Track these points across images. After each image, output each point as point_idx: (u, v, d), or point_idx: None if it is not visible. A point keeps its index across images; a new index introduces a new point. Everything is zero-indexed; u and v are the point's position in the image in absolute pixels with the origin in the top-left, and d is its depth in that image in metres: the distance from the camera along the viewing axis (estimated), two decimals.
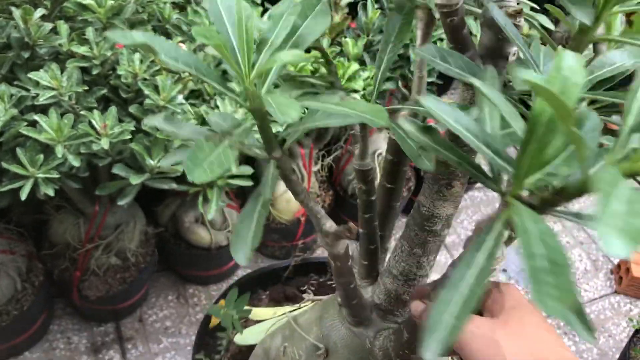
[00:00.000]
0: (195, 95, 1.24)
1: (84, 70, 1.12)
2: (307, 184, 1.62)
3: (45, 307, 1.45)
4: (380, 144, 1.70)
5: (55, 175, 0.99)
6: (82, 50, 1.08)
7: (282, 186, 1.59)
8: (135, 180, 1.04)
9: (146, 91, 1.07)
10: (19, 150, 0.99)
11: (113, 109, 1.03)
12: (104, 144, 0.98)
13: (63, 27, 1.12)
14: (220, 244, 1.53)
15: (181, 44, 1.18)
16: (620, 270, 1.92)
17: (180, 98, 1.12)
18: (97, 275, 1.37)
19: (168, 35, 1.30)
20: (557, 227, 2.11)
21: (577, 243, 2.06)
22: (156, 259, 1.52)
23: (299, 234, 1.70)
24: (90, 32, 1.10)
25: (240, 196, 1.59)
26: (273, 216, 1.63)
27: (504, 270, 1.93)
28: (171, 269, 1.70)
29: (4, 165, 0.99)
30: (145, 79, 1.11)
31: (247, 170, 1.24)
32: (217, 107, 1.19)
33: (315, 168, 1.65)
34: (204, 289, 1.71)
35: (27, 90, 1.06)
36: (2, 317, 1.30)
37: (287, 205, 1.61)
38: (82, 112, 1.03)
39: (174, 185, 1.16)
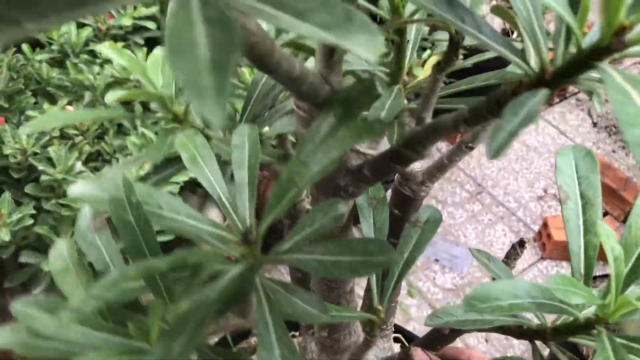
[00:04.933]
0: (93, 158, 1.16)
1: None
2: None
3: None
4: None
5: None
6: None
7: None
8: (48, 265, 0.95)
9: (40, 166, 0.98)
10: None
11: (7, 194, 0.93)
12: (4, 235, 0.89)
13: None
14: None
15: (68, 107, 1.10)
16: (542, 237, 2.00)
17: (79, 165, 1.03)
18: None
19: (52, 97, 1.20)
20: (476, 207, 2.17)
21: (497, 219, 2.13)
22: None
23: None
24: None
25: None
26: None
27: (437, 260, 1.96)
28: None
29: None
30: (36, 153, 1.02)
31: None
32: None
33: None
34: None
35: None
36: None
37: None
38: None
39: None
